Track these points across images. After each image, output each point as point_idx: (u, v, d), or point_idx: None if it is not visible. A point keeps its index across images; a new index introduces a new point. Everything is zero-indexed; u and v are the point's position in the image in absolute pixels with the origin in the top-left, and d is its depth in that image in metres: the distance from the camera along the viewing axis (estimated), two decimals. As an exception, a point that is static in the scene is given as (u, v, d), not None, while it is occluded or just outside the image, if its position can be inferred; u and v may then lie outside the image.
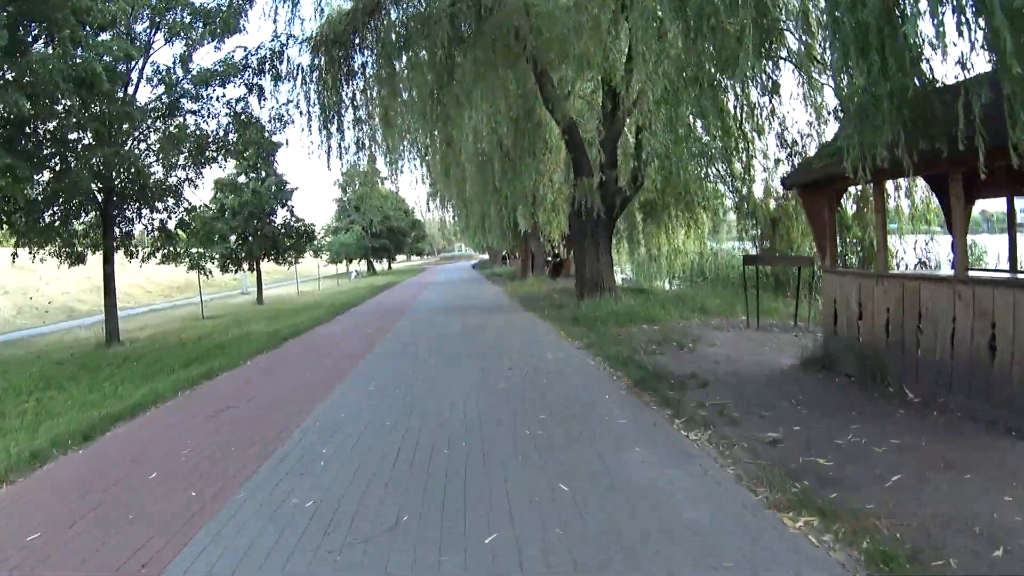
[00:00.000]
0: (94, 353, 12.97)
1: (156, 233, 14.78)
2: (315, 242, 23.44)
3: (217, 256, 19.20)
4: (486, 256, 55.92)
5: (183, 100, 12.58)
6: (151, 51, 13.08)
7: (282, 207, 22.19)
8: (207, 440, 4.71)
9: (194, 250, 18.01)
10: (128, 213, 14.12)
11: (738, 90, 11.14)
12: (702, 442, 3.93)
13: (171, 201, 14.64)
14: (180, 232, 14.39)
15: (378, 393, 5.93)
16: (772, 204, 13.52)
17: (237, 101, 13.07)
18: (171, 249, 15.28)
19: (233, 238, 21.78)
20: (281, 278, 45.02)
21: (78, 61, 9.40)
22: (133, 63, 12.49)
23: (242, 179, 21.30)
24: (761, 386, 5.44)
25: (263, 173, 21.86)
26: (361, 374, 7.00)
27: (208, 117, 13.45)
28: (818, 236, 6.43)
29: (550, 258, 26.11)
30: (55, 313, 26.66)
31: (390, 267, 61.47)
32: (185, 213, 14.27)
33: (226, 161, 14.48)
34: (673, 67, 6.67)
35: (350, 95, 13.83)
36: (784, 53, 10.11)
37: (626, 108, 12.52)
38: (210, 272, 18.69)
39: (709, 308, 11.00)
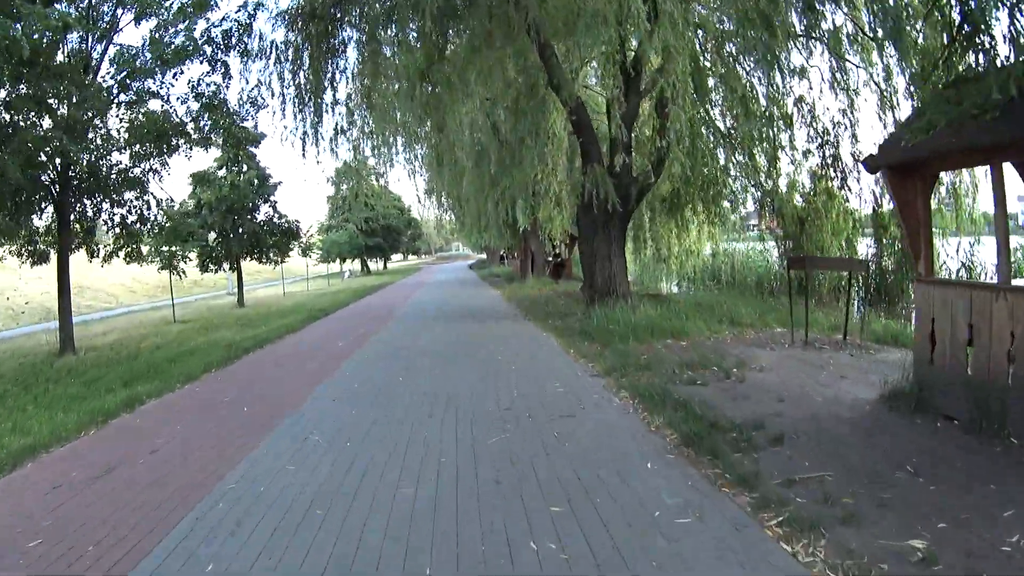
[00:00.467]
0: (42, 364, 11.48)
1: (118, 230, 13.23)
2: (300, 240, 21.85)
3: (194, 255, 17.61)
4: (484, 256, 54.48)
5: (138, 79, 10.99)
6: (117, 30, 11.52)
7: (265, 203, 20.62)
8: (45, 534, 3.17)
9: (165, 248, 16.51)
10: (87, 207, 12.57)
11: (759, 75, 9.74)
12: (822, 571, 2.40)
13: (131, 195, 13.08)
14: (142, 229, 12.82)
15: (317, 450, 4.39)
16: (797, 200, 12.09)
17: (199, 81, 11.49)
18: (134, 248, 13.71)
19: (212, 236, 20.24)
20: (273, 278, 43.46)
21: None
22: (93, 42, 10.96)
23: (223, 172, 19.74)
24: (852, 439, 3.93)
25: (245, 167, 20.31)
26: (308, 416, 5.44)
27: (167, 100, 11.88)
28: (911, 233, 4.91)
29: (550, 258, 24.60)
30: (31, 314, 25.11)
31: (385, 266, 59.93)
32: (146, 208, 12.69)
33: (191, 150, 12.92)
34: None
35: (329, 76, 12.33)
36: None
37: (646, 82, 11.03)
38: (183, 272, 17.15)
39: (739, 318, 9.51)
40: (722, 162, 11.97)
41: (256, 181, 20.27)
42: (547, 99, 9.64)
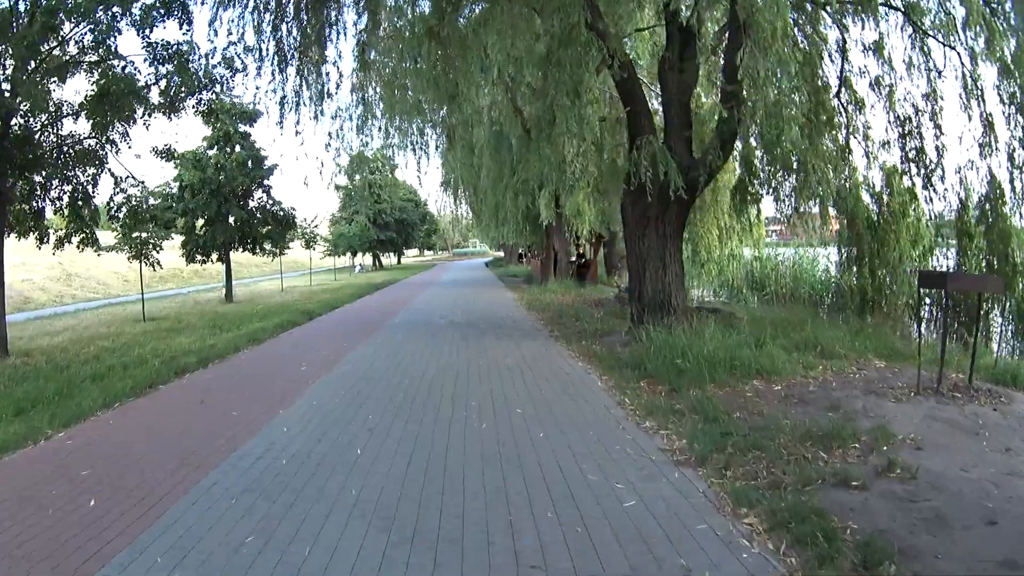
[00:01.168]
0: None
1: (67, 211, 11.10)
2: (295, 230, 19.63)
3: (166, 244, 15.39)
4: (501, 253, 52.07)
5: (71, 21, 8.75)
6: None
7: (258, 187, 18.38)
8: None
9: (136, 235, 14.34)
10: (29, 183, 10.43)
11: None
12: None
13: (87, 171, 10.93)
14: (84, 210, 10.63)
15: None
16: (865, 198, 9.64)
17: (148, 24, 9.19)
18: (88, 234, 11.54)
19: (201, 222, 18.07)
20: (289, 269, 41.42)
21: None
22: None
23: (213, 153, 17.56)
24: None
25: (237, 147, 18.11)
26: (199, 500, 3.09)
27: (114, 53, 9.64)
28: None
29: (573, 259, 22.10)
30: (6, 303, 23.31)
31: (399, 261, 57.86)
32: (92, 185, 10.49)
33: (150, 117, 10.72)
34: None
35: (317, 28, 10.02)
36: None
37: (705, 44, 8.65)
38: (157, 263, 14.95)
39: (828, 346, 7.00)
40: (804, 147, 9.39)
41: (250, 163, 18.04)
42: (589, 47, 7.18)
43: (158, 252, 14.80)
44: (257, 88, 10.28)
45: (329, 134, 11.75)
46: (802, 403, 5.03)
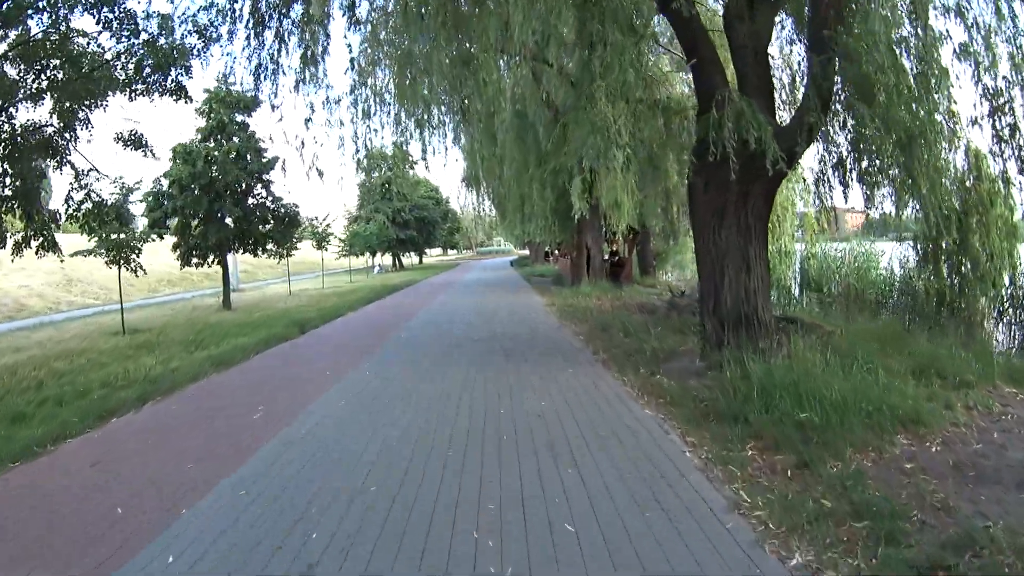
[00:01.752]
0: None
1: (18, 211, 9.52)
2: (300, 229, 17.90)
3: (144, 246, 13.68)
4: (526, 252, 49.96)
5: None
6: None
7: (258, 183, 16.65)
8: None
9: (115, 236, 12.71)
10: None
11: None
12: None
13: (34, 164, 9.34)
14: (31, 211, 8.98)
15: None
16: (943, 183, 7.56)
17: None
18: (46, 237, 9.92)
19: (196, 222, 16.42)
20: (303, 270, 39.98)
21: None
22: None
23: (204, 144, 15.89)
24: None
25: (235, 140, 16.41)
26: None
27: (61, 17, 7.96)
28: None
29: (606, 257, 19.96)
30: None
31: (421, 261, 56.20)
32: (37, 179, 8.83)
33: (110, 95, 9.06)
34: None
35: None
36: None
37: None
38: (139, 268, 13.31)
39: (959, 373, 5.01)
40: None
41: (248, 156, 16.32)
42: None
43: (138, 255, 13.15)
44: (229, 55, 8.32)
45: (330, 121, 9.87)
46: (980, 477, 3.26)
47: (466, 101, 9.21)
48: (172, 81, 9.54)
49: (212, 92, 16.30)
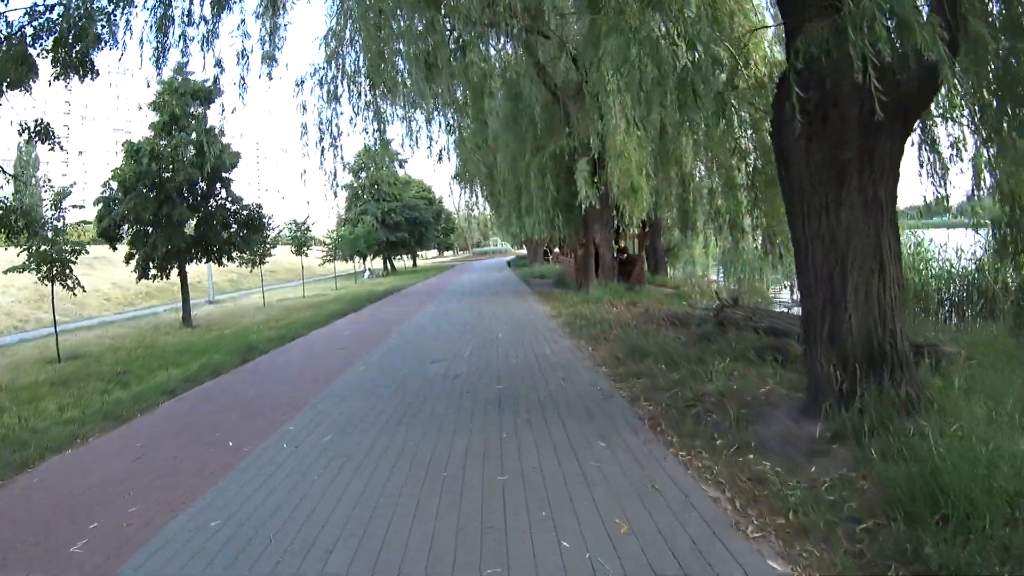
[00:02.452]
0: None
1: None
2: (264, 233, 15.84)
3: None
4: (523, 251, 47.87)
5: None
6: None
7: (218, 183, 14.59)
8: None
9: (44, 248, 10.73)
10: None
11: None
12: None
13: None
14: None
15: None
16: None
17: None
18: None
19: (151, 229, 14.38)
20: (292, 277, 37.82)
21: None
22: None
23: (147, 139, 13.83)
24: None
25: (192, 134, 14.35)
26: None
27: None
28: None
29: (614, 254, 17.85)
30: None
31: (414, 264, 54.11)
32: None
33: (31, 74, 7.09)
34: None
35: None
36: None
37: None
38: (75, 284, 11.31)
39: None
40: None
41: (206, 151, 14.25)
42: None
43: (69, 271, 11.13)
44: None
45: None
46: None
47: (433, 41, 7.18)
48: (77, 53, 7.51)
49: (167, 82, 14.31)
